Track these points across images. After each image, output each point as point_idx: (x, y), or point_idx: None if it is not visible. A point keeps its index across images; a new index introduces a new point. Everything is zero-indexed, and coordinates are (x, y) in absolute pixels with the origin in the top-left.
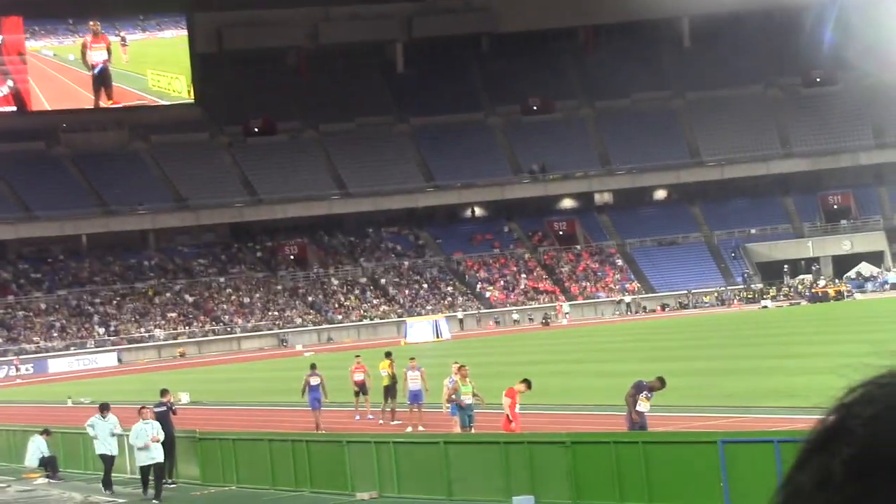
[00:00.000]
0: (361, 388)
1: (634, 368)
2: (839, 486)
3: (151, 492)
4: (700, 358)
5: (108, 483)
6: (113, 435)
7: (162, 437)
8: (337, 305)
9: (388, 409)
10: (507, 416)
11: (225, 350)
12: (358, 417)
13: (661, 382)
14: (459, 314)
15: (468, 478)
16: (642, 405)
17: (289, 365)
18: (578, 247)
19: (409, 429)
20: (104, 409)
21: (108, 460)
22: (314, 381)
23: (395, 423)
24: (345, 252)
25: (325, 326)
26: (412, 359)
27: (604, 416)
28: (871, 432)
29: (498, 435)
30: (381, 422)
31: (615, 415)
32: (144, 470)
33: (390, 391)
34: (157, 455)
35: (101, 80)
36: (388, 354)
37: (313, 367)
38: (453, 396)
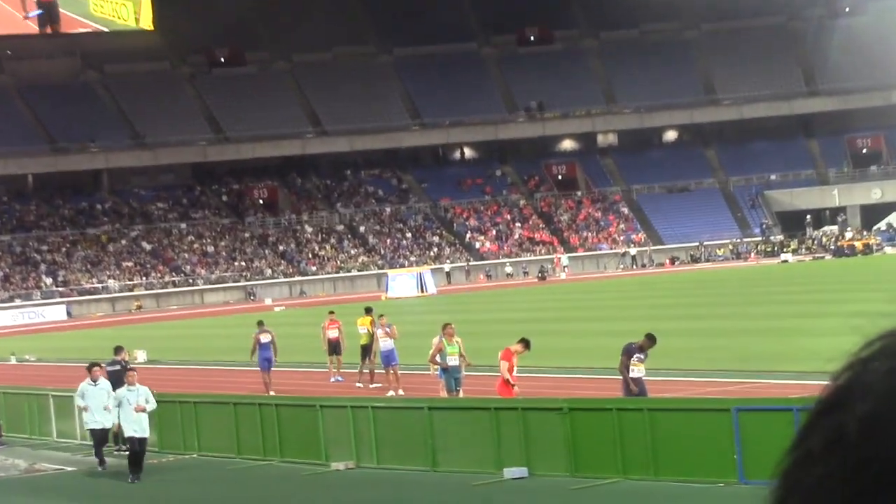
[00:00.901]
0: (335, 347)
1: (639, 328)
2: (853, 446)
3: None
4: (713, 317)
5: (101, 458)
6: (106, 409)
7: (151, 406)
8: (311, 256)
9: (367, 371)
10: (506, 379)
11: (186, 304)
12: (335, 380)
13: (651, 340)
14: (446, 267)
15: (455, 447)
16: (636, 370)
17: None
18: (579, 193)
19: (391, 393)
20: (93, 369)
21: (98, 435)
22: (264, 338)
23: (375, 385)
24: (320, 197)
25: (297, 279)
26: (381, 316)
27: (605, 380)
28: (890, 386)
29: (488, 400)
30: (358, 384)
31: (617, 379)
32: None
33: (368, 351)
34: (135, 427)
35: (45, 5)
36: (368, 310)
37: (261, 323)
38: (437, 357)
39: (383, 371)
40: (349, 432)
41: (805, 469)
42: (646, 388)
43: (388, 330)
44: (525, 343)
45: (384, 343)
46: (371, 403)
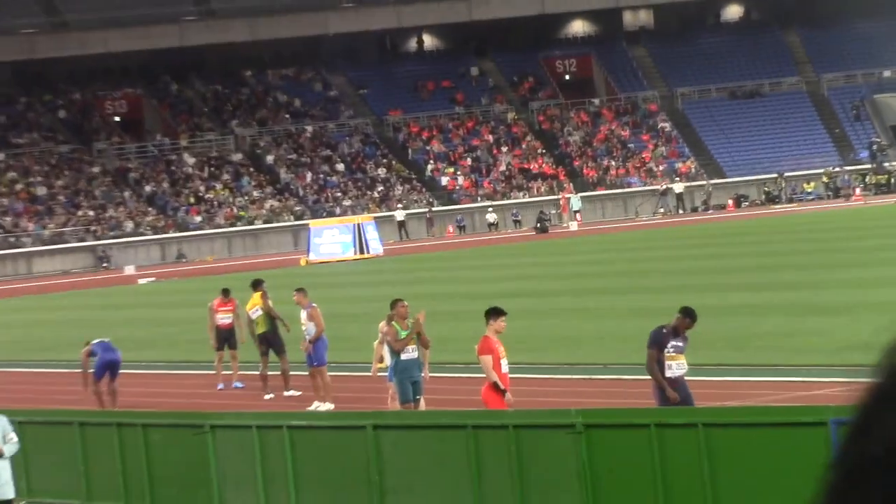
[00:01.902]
0: (227, 339)
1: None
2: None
3: None
4: (797, 287)
5: None
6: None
7: (12, 447)
8: (192, 201)
9: (278, 373)
10: (492, 382)
11: (8, 274)
12: (236, 385)
13: (688, 316)
14: (398, 214)
15: (413, 484)
16: (674, 366)
17: (114, 299)
18: (596, 101)
19: (316, 404)
20: None
21: None
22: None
23: (290, 393)
24: (206, 111)
25: (172, 235)
26: (299, 290)
27: (634, 381)
28: None
29: (464, 414)
30: (268, 396)
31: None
32: None
33: (272, 342)
34: None
35: None
36: (256, 284)
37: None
38: (384, 352)
39: (307, 372)
40: (254, 464)
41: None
42: (689, 393)
43: (310, 310)
44: (496, 313)
45: (308, 330)
46: (286, 421)
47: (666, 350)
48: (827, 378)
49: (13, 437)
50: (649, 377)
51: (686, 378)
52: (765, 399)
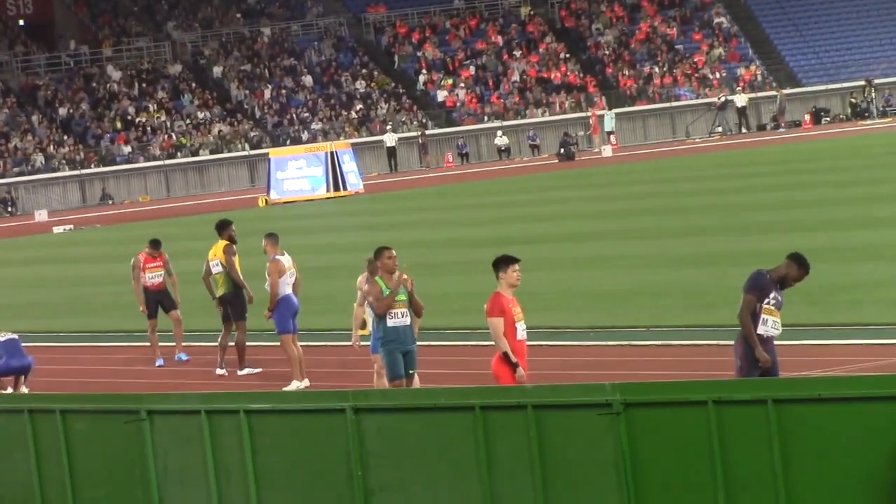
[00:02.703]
0: (159, 302)
1: (743, 247)
2: None
3: None
4: (893, 224)
5: None
6: None
7: None
8: (120, 126)
9: (234, 344)
10: (503, 353)
11: None
12: (178, 358)
13: (799, 265)
14: (388, 138)
15: (406, 479)
16: (770, 321)
17: (22, 252)
18: None
19: (294, 383)
20: None
21: None
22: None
23: (246, 371)
24: (135, 10)
25: (95, 171)
26: (270, 235)
27: (685, 348)
28: None
29: (469, 392)
30: (221, 371)
31: (707, 344)
32: None
33: (234, 305)
34: None
35: None
36: (221, 227)
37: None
38: (367, 314)
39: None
40: (203, 457)
41: None
42: (777, 361)
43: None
44: (506, 262)
45: (283, 287)
46: (245, 404)
47: (766, 301)
48: None
49: None
50: (732, 339)
51: (776, 342)
52: (852, 367)
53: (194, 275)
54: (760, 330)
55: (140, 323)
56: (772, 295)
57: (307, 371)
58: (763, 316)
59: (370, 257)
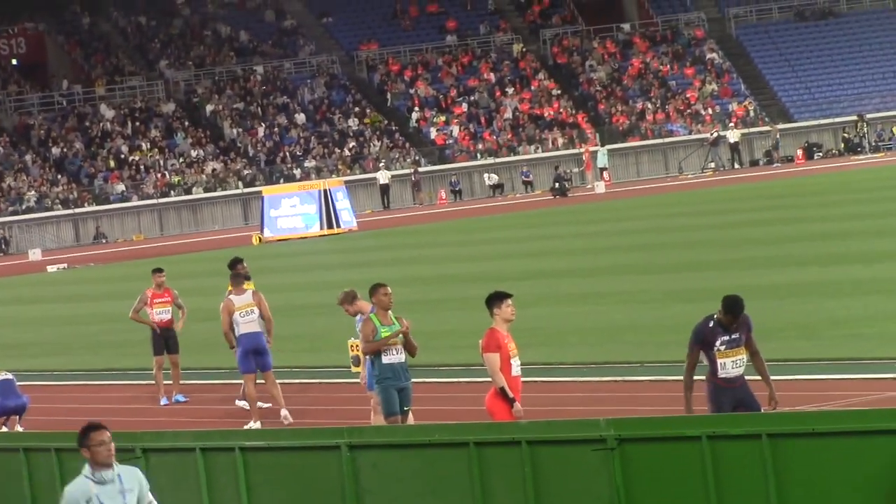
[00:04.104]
0: (167, 341)
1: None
2: None
3: None
4: (886, 258)
5: None
6: None
7: None
8: (113, 164)
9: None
10: (499, 388)
11: None
12: (177, 398)
13: (731, 307)
14: (382, 176)
15: None
16: (728, 364)
17: (16, 291)
18: (626, 27)
19: (251, 424)
20: None
21: None
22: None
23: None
24: (128, 50)
25: (88, 210)
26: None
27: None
28: None
29: (464, 428)
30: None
31: (701, 380)
32: None
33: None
34: None
35: None
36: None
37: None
38: (359, 352)
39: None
40: (198, 494)
41: None
42: (752, 395)
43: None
44: (499, 298)
45: (246, 326)
46: (238, 441)
47: (715, 347)
48: None
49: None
50: (703, 378)
51: (747, 378)
52: (846, 402)
53: (190, 312)
54: (721, 374)
55: (134, 361)
56: (719, 341)
57: (301, 408)
58: (718, 360)
59: (346, 290)
